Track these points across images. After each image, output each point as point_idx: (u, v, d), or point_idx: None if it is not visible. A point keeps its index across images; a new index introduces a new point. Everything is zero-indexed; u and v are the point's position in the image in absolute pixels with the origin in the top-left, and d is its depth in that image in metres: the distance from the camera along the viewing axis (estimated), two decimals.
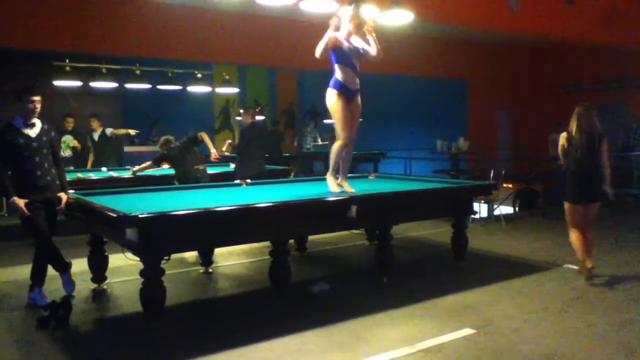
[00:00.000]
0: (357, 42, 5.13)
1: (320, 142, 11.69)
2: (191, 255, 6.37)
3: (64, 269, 4.87)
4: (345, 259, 6.63)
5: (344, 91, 5.06)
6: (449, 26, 10.79)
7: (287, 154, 11.46)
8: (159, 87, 10.42)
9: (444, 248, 6.38)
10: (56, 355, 3.79)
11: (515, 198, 10.35)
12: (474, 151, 12.62)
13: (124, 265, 5.21)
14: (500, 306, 4.63)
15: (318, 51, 4.90)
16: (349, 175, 7.38)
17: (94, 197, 5.03)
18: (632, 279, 5.43)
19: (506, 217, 8.91)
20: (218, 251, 6.39)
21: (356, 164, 11.93)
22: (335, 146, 5.25)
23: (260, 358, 3.66)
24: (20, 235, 6.39)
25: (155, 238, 3.96)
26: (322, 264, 6.34)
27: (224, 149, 8.38)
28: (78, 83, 9.15)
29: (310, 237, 6.72)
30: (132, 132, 8.82)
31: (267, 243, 4.85)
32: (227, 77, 10.71)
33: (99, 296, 5.09)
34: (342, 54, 5.03)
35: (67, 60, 8.91)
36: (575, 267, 5.80)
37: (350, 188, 5.26)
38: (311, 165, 12.02)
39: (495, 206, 9.00)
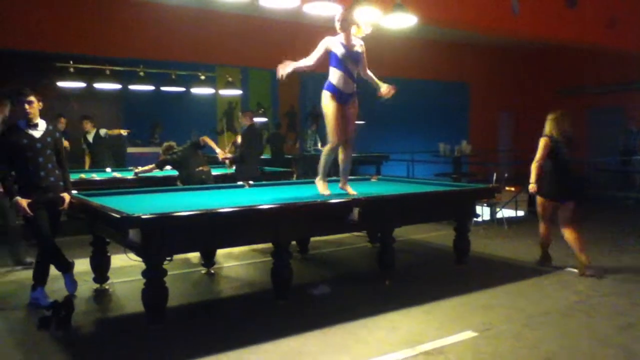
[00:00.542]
0: (358, 46, 5.12)
1: (320, 147, 11.70)
2: (193, 256, 6.38)
3: (66, 269, 4.88)
4: (347, 261, 6.63)
5: (337, 94, 5.06)
6: (451, 29, 10.79)
7: (289, 156, 11.46)
8: (163, 88, 10.44)
9: (446, 251, 6.39)
10: (57, 355, 3.80)
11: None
12: (477, 154, 12.61)
13: (126, 265, 5.24)
14: (501, 309, 4.63)
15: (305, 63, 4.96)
16: (351, 177, 7.44)
17: (97, 197, 5.05)
18: (633, 283, 5.42)
19: (509, 220, 8.91)
20: (220, 252, 6.41)
21: (358, 166, 11.95)
22: (325, 149, 5.27)
23: (261, 359, 3.66)
24: (24, 235, 6.39)
25: (158, 239, 3.98)
26: (323, 266, 6.35)
27: (227, 150, 8.41)
28: (81, 84, 9.18)
29: (312, 239, 6.73)
30: (124, 132, 8.82)
31: (269, 244, 4.86)
32: (230, 79, 10.72)
33: (101, 296, 5.10)
34: (336, 57, 5.02)
35: (71, 62, 8.93)
36: (576, 270, 5.80)
37: (352, 191, 5.27)
38: (313, 168, 12.01)
39: (498, 209, 9.00)
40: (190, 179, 6.62)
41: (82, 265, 5.33)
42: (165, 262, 4.16)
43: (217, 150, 7.44)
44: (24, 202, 4.51)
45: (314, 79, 11.69)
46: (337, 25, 5.00)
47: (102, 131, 8.71)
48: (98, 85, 9.54)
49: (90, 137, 8.70)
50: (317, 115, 11.96)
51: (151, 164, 7.22)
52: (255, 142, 7.59)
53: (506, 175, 9.05)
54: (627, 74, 13.16)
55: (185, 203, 4.76)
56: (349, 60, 5.02)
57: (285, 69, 4.86)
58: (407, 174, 12.25)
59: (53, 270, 4.83)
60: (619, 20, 9.82)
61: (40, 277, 4.74)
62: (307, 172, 11.57)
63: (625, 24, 9.98)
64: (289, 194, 5.50)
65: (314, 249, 6.80)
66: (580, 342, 3.95)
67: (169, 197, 5.31)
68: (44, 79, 8.61)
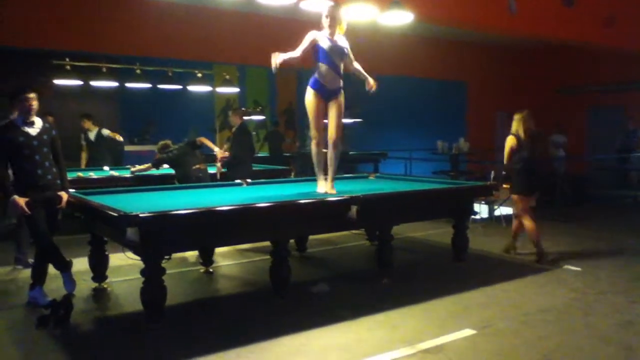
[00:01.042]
0: (342, 41, 5.09)
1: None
2: (192, 254, 6.37)
3: (64, 268, 4.86)
4: (345, 260, 6.63)
5: (321, 90, 5.05)
6: (449, 27, 10.79)
7: (287, 154, 11.46)
8: (159, 86, 10.41)
9: (444, 249, 6.39)
10: (56, 354, 3.79)
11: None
12: (474, 152, 12.62)
13: (124, 264, 5.23)
14: (500, 307, 4.64)
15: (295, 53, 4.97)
16: (349, 175, 7.44)
17: (95, 196, 5.04)
18: (631, 281, 5.43)
19: (506, 217, 8.92)
20: (218, 251, 6.40)
21: (357, 164, 11.96)
22: (311, 147, 5.28)
23: (260, 358, 3.66)
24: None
25: (156, 237, 3.97)
26: (322, 265, 6.35)
27: (224, 147, 8.38)
28: (78, 82, 9.14)
29: (311, 237, 6.72)
30: (120, 138, 8.80)
31: (268, 243, 4.86)
32: (227, 77, 10.71)
33: (100, 295, 5.09)
34: (322, 52, 5.01)
35: (67, 59, 8.89)
36: (575, 268, 5.82)
37: (332, 190, 5.21)
38: (311, 165, 12.00)
39: (496, 207, 9.01)
40: (186, 178, 6.60)
41: (80, 264, 5.31)
42: (164, 261, 4.15)
43: (216, 149, 7.42)
44: (21, 200, 4.49)
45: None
46: (326, 20, 5.00)
47: (105, 131, 8.71)
48: (95, 83, 9.52)
49: (92, 136, 8.68)
50: None
51: (147, 162, 7.19)
52: (248, 140, 7.58)
53: (504, 173, 9.05)
54: (627, 73, 13.18)
55: (183, 201, 4.76)
56: (334, 54, 5.01)
57: (276, 59, 4.86)
58: (404, 172, 12.27)
59: (51, 269, 4.82)
60: (617, 18, 9.82)
61: (39, 276, 4.72)
62: (305, 170, 11.57)
63: (624, 22, 9.98)
64: (287, 192, 5.49)
65: (312, 247, 6.80)
66: (578, 339, 3.96)
67: (167, 196, 5.30)
68: (40, 77, 8.57)
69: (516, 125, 6.32)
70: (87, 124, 8.69)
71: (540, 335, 4.02)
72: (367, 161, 12.59)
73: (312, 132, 5.18)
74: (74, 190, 5.15)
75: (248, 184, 6.20)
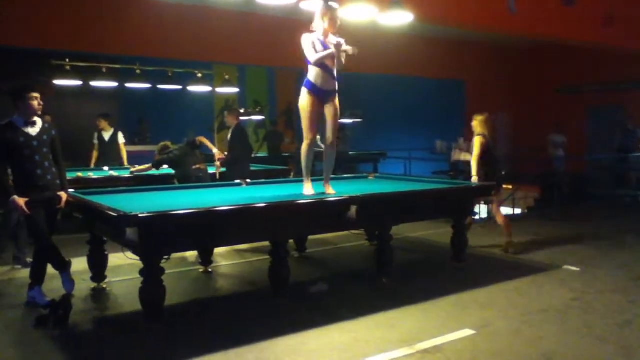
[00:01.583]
0: (334, 41, 4.93)
1: (320, 143, 11.69)
2: (191, 254, 6.37)
3: (63, 267, 4.87)
4: (344, 260, 6.63)
5: (315, 91, 4.98)
6: (448, 27, 10.79)
7: (287, 154, 11.45)
8: (159, 86, 10.42)
9: (444, 249, 6.39)
10: (55, 354, 3.80)
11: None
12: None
13: (123, 264, 5.23)
14: (499, 307, 4.64)
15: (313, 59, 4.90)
16: (348, 175, 7.45)
17: (94, 196, 5.04)
18: (630, 280, 5.44)
19: (506, 217, 8.91)
20: (218, 251, 6.40)
21: (356, 164, 11.95)
22: (302, 148, 5.18)
23: (259, 358, 3.66)
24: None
25: (155, 237, 3.97)
26: (321, 264, 6.35)
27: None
28: (78, 82, 9.15)
29: (310, 238, 6.72)
30: (125, 160, 8.80)
31: (267, 243, 4.85)
32: (227, 77, 10.71)
33: (99, 295, 5.09)
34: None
35: (67, 60, 8.89)
36: (574, 268, 5.83)
37: (332, 190, 5.18)
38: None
39: None
40: (186, 178, 6.60)
41: (79, 264, 5.31)
42: (163, 261, 4.15)
43: (214, 150, 7.42)
44: (21, 201, 4.49)
45: None
46: (320, 22, 4.90)
47: (121, 138, 8.74)
48: (94, 83, 9.52)
49: (107, 136, 8.69)
50: None
51: (147, 164, 7.19)
52: (245, 140, 7.58)
53: (503, 173, 9.05)
54: (626, 73, 13.18)
55: (182, 201, 4.76)
56: (328, 57, 4.93)
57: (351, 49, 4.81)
58: (404, 172, 12.27)
59: (50, 269, 4.81)
60: (617, 18, 9.83)
61: (38, 276, 4.72)
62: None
63: (623, 22, 9.99)
64: (287, 192, 5.49)
65: (312, 247, 6.80)
66: (578, 339, 3.96)
67: (166, 196, 5.30)
68: (40, 77, 8.56)
69: (481, 126, 6.73)
70: (103, 124, 8.70)
71: (539, 335, 4.02)
72: (367, 161, 12.59)
73: (305, 134, 5.11)
74: (73, 190, 5.15)
75: (247, 184, 6.20)
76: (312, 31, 4.96)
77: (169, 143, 6.95)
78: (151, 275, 4.04)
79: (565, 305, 4.69)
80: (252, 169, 7.72)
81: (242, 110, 10.71)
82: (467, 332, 4.06)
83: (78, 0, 9.11)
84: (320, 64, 4.93)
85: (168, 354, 3.76)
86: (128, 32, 9.46)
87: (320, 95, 5.00)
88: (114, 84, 9.73)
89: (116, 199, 4.82)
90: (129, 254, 4.25)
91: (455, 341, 3.90)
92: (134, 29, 9.47)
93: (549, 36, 10.06)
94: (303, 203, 4.72)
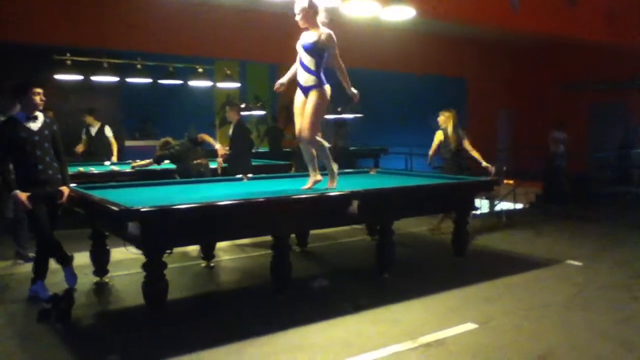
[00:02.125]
0: (311, 36, 4.79)
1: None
2: (193, 249, 6.38)
3: (66, 262, 4.87)
4: (346, 255, 6.64)
5: (299, 87, 4.93)
6: (450, 24, 10.77)
7: (288, 150, 11.45)
8: (160, 81, 10.40)
9: (445, 244, 6.40)
10: (57, 348, 3.80)
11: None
12: (475, 147, 12.60)
13: (125, 258, 5.24)
14: (501, 302, 4.65)
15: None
16: (350, 170, 7.45)
17: (96, 190, 5.04)
18: (632, 276, 5.44)
19: (507, 213, 8.93)
20: (219, 245, 6.40)
21: (357, 159, 11.95)
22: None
23: (261, 353, 3.67)
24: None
25: (157, 232, 3.97)
26: (323, 259, 6.35)
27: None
28: (79, 77, 9.13)
29: (311, 232, 6.73)
30: (114, 155, 8.79)
31: (268, 238, 4.86)
32: (228, 72, 10.68)
33: (101, 289, 5.10)
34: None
35: (68, 54, 8.88)
36: (576, 263, 5.83)
37: (308, 185, 5.09)
38: None
39: (496, 202, 9.02)
40: (187, 173, 6.61)
41: (81, 259, 5.32)
42: (165, 255, 4.15)
43: (217, 145, 7.41)
44: (23, 195, 4.49)
45: None
46: (319, 17, 4.80)
47: (108, 131, 8.73)
48: (95, 78, 9.50)
49: (93, 131, 8.72)
50: None
51: (148, 159, 7.19)
52: (247, 136, 7.57)
53: (505, 168, 9.06)
54: (629, 70, 13.15)
55: (184, 196, 4.75)
56: (301, 50, 4.84)
57: None
58: (405, 167, 12.26)
59: (53, 264, 4.83)
60: (619, 16, 9.81)
61: (40, 271, 4.73)
62: (306, 166, 11.55)
63: (626, 20, 9.97)
64: (288, 186, 5.49)
65: (313, 242, 6.80)
66: (579, 334, 3.97)
67: (168, 190, 5.30)
68: (41, 72, 8.55)
69: (446, 121, 7.31)
70: (90, 119, 8.73)
71: (541, 330, 4.03)
72: (368, 156, 12.58)
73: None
74: (74, 185, 5.15)
75: (249, 179, 6.20)
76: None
77: (170, 139, 6.95)
78: (153, 269, 4.04)
79: (567, 301, 4.69)
80: (253, 164, 7.72)
81: (242, 105, 10.68)
82: (470, 326, 4.07)
83: None
84: (298, 58, 4.89)
85: (169, 348, 3.75)
86: (129, 27, 9.44)
87: (302, 91, 4.92)
88: (115, 79, 9.72)
89: (118, 194, 4.82)
90: (131, 249, 4.26)
91: (457, 335, 3.91)
92: (136, 24, 9.45)
93: (551, 34, 10.04)
94: (304, 198, 4.71)
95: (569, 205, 9.60)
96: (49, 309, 4.25)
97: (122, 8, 9.27)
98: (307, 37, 4.82)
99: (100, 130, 8.73)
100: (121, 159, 8.94)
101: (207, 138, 7.05)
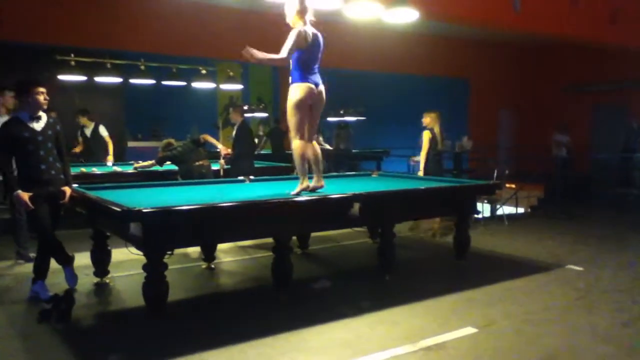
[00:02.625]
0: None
1: (322, 141, 11.67)
2: (194, 250, 6.38)
3: (66, 262, 4.87)
4: (347, 257, 6.63)
5: None
6: (452, 25, 10.77)
7: (290, 152, 11.45)
8: (163, 82, 10.42)
9: (446, 247, 6.38)
10: (57, 348, 3.80)
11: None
12: (477, 150, 12.60)
13: (126, 259, 5.24)
14: (502, 305, 4.64)
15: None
16: (352, 173, 7.45)
17: (98, 191, 5.04)
18: (634, 280, 5.42)
19: (509, 216, 8.91)
20: (220, 247, 6.40)
21: (359, 162, 11.94)
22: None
23: (262, 354, 3.66)
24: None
25: (159, 233, 3.97)
26: (324, 261, 6.35)
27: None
28: (82, 78, 9.16)
29: (313, 235, 6.72)
30: (111, 153, 8.78)
31: (270, 239, 4.85)
32: (231, 73, 10.70)
33: (102, 290, 5.10)
34: None
35: (72, 55, 8.90)
36: (578, 267, 5.82)
37: (295, 191, 4.93)
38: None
39: (498, 206, 9.00)
40: (189, 174, 6.62)
41: (82, 259, 5.32)
42: (166, 256, 4.15)
43: (219, 146, 7.43)
44: (25, 195, 4.50)
45: None
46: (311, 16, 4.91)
47: (103, 130, 8.73)
48: (99, 79, 9.52)
49: (88, 132, 8.72)
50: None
51: (151, 160, 7.20)
52: (249, 137, 7.58)
53: (507, 172, 9.04)
54: (632, 71, 13.12)
55: (186, 197, 4.75)
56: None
57: None
58: (407, 170, 12.25)
59: (53, 264, 4.83)
60: (622, 16, 9.79)
61: (41, 271, 4.74)
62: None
63: (629, 20, 9.95)
64: (290, 188, 5.47)
65: (314, 244, 6.80)
66: (580, 338, 3.95)
67: (170, 191, 5.31)
68: (45, 72, 8.58)
69: (432, 122, 7.43)
70: (83, 120, 8.73)
71: (542, 334, 4.01)
72: (370, 159, 12.57)
73: None
74: (77, 185, 5.16)
75: (251, 180, 6.20)
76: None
77: (172, 140, 6.96)
78: (154, 270, 4.04)
79: (568, 305, 4.68)
80: (256, 165, 7.73)
81: (245, 107, 10.70)
82: (470, 330, 4.06)
83: None
84: None
85: (170, 349, 3.75)
86: (133, 28, 9.47)
87: None
88: (118, 80, 9.74)
89: (120, 194, 4.83)
90: (132, 249, 4.26)
91: (458, 339, 3.90)
92: (139, 25, 9.48)
93: (554, 34, 10.02)
94: (306, 200, 4.71)
95: (570, 208, 9.57)
96: (50, 309, 4.25)
97: (126, 9, 9.30)
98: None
99: (95, 130, 8.73)
100: (123, 160, 8.95)
101: (210, 139, 7.06)
